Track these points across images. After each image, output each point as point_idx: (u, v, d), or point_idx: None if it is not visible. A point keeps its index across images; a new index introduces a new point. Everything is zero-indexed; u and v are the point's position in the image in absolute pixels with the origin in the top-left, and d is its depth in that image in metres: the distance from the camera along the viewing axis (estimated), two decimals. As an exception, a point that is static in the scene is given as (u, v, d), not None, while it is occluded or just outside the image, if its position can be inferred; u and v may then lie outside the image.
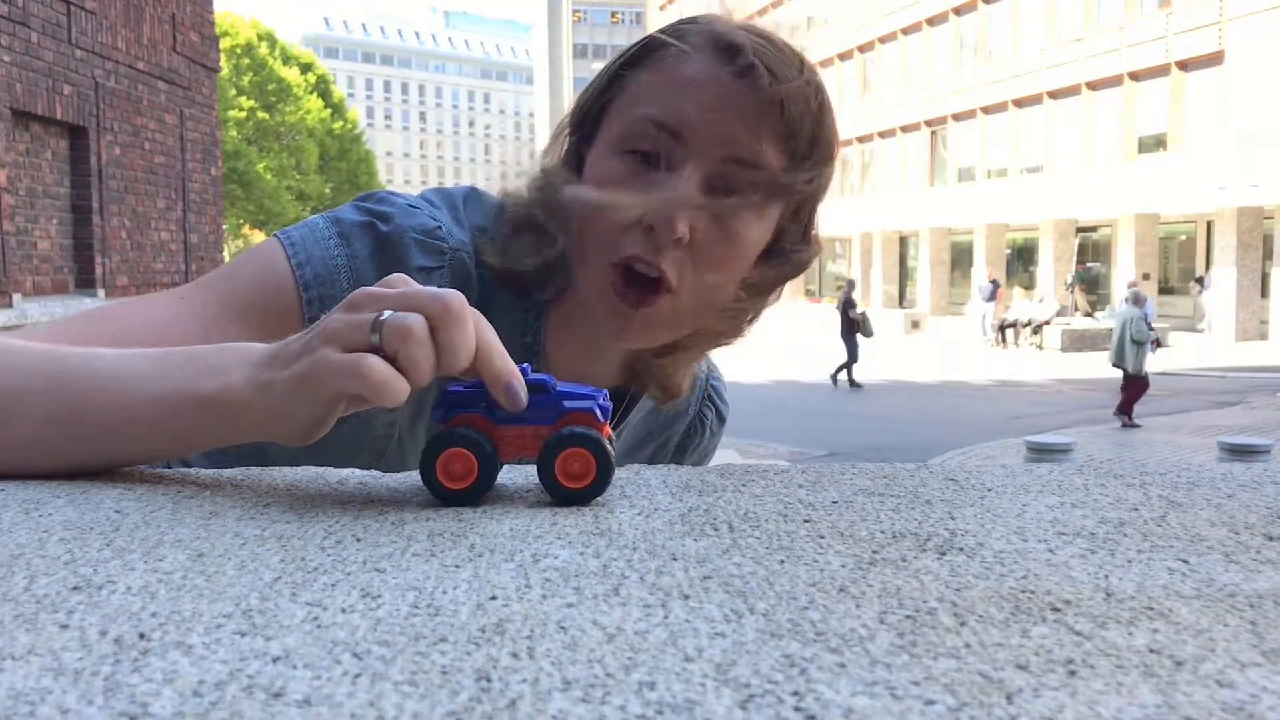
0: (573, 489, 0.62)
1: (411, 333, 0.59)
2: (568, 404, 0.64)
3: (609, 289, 0.87)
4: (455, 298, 0.61)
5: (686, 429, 1.14)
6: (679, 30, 0.91)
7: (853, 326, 14.87)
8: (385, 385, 0.59)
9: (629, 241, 0.86)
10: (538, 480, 0.67)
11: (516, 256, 0.92)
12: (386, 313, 0.60)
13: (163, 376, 0.67)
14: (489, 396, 0.62)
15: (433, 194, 0.98)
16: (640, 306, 0.87)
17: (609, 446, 0.62)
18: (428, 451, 0.61)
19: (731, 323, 0.95)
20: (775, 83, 0.85)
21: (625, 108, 0.90)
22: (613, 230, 0.86)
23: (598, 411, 0.64)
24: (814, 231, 0.97)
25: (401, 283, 0.64)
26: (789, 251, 0.94)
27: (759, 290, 0.94)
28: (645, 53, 0.91)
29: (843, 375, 14.98)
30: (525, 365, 0.64)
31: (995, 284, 22.59)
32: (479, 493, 0.61)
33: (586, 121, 0.94)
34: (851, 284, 16.49)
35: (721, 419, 1.17)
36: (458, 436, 0.62)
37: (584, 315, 0.92)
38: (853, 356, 14.83)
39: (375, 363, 0.59)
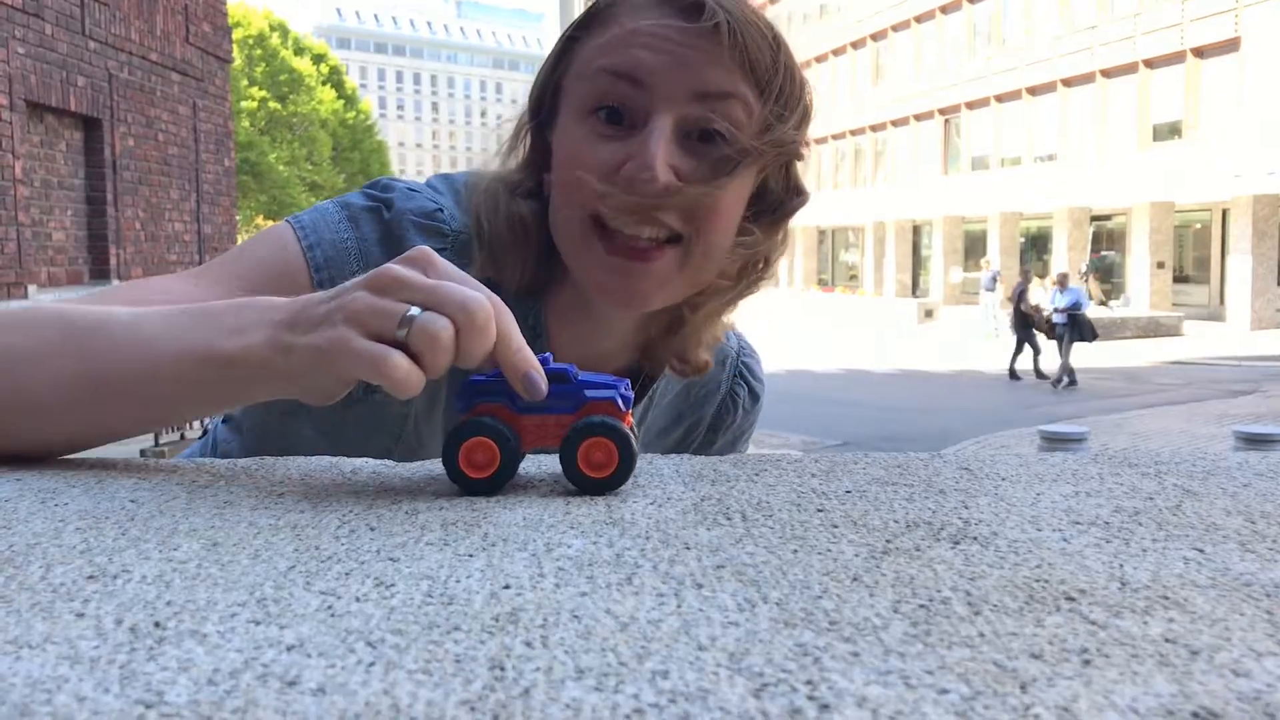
0: (595, 478, 0.61)
1: (438, 340, 0.59)
2: (589, 394, 0.64)
3: (601, 254, 0.85)
4: (480, 307, 0.61)
5: (718, 409, 1.13)
6: None
7: (1025, 319, 14.51)
8: (405, 383, 0.59)
9: (611, 203, 0.83)
10: (555, 469, 0.68)
11: (498, 265, 0.91)
12: (414, 310, 0.60)
13: (182, 336, 0.67)
14: (510, 386, 0.62)
15: (437, 180, 0.99)
16: (649, 260, 0.84)
17: (631, 436, 0.62)
18: (450, 441, 0.61)
19: (736, 280, 0.93)
20: (726, 15, 0.83)
21: (580, 73, 0.87)
22: (590, 194, 0.84)
23: (619, 401, 0.64)
24: (798, 180, 0.95)
25: (425, 260, 0.64)
26: (777, 200, 0.93)
27: (754, 243, 0.92)
28: (590, 18, 0.89)
29: (1019, 367, 14.58)
30: (546, 355, 0.64)
31: (995, 275, 22.43)
32: (501, 482, 0.62)
33: (544, 105, 0.92)
34: (1027, 274, 16.08)
35: (755, 396, 1.14)
36: (480, 426, 0.62)
37: (585, 296, 0.91)
38: (1034, 348, 14.45)
39: (399, 361, 0.59)
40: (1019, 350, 14.57)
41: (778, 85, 0.86)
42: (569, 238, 0.88)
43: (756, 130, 0.85)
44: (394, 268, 0.63)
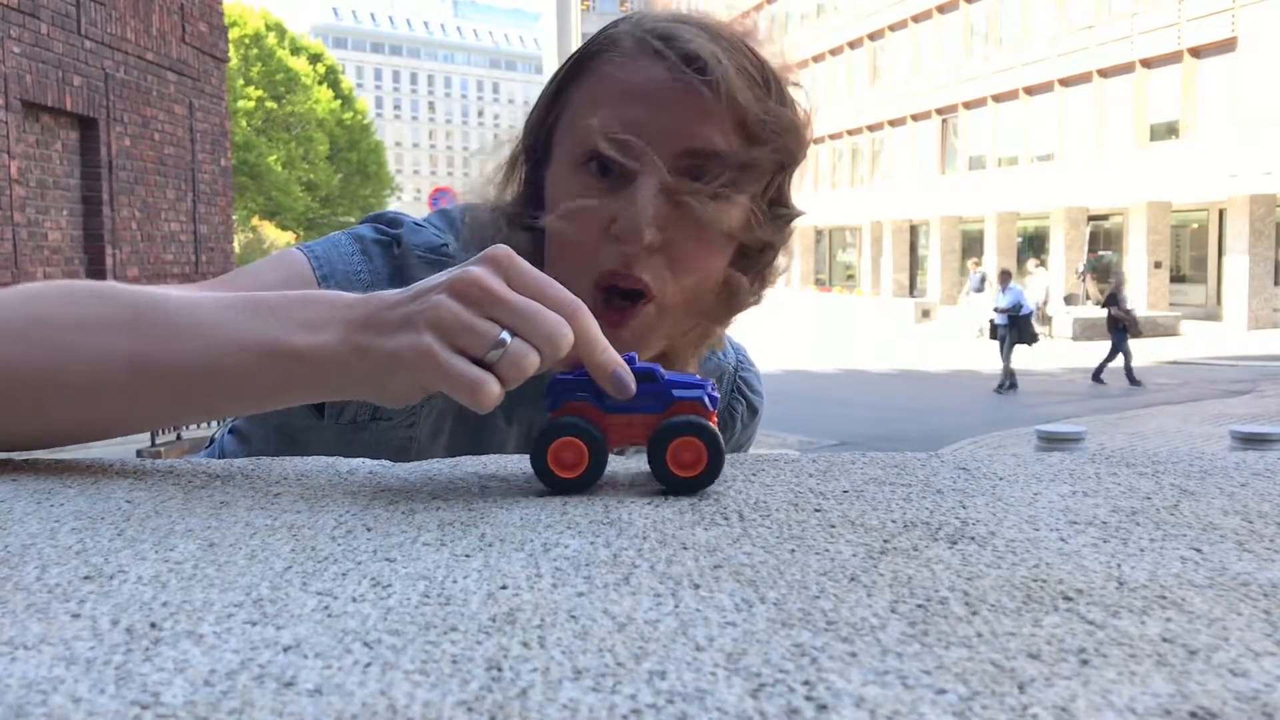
0: (684, 478, 0.61)
1: (524, 372, 0.59)
2: (676, 393, 0.63)
3: (599, 311, 0.86)
4: (564, 340, 0.60)
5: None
6: (610, 35, 0.90)
7: (1117, 322, 14.03)
8: (491, 407, 0.58)
9: (604, 258, 0.85)
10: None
11: None
12: (506, 336, 0.59)
13: (246, 326, 0.64)
14: (596, 385, 0.62)
15: (435, 217, 0.99)
16: (623, 325, 0.86)
17: (720, 436, 0.62)
18: (539, 441, 0.61)
19: (726, 312, 0.94)
20: (715, 65, 0.84)
21: (571, 123, 0.89)
22: (585, 252, 0.86)
23: (706, 401, 0.64)
24: (789, 211, 0.95)
25: (506, 264, 0.62)
26: (767, 232, 0.93)
27: (745, 277, 0.93)
28: (581, 64, 0.90)
29: (1112, 369, 14.02)
30: (631, 355, 0.64)
31: (983, 276, 22.32)
32: (590, 481, 0.61)
33: (538, 145, 0.93)
34: (1121, 276, 15.65)
35: (753, 410, 1.15)
36: (568, 426, 0.61)
37: None
38: (1125, 353, 13.88)
39: (494, 389, 0.58)
40: (1111, 355, 14.03)
41: (767, 131, 0.87)
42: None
43: (741, 180, 0.86)
44: (481, 276, 0.60)
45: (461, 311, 0.59)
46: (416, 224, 0.95)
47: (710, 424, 0.62)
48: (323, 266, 0.89)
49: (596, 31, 0.92)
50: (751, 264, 0.94)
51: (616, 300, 0.86)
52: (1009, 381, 13.36)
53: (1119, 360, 13.77)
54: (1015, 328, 13.62)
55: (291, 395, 0.66)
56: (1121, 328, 14.03)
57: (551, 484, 0.61)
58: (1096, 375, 14.04)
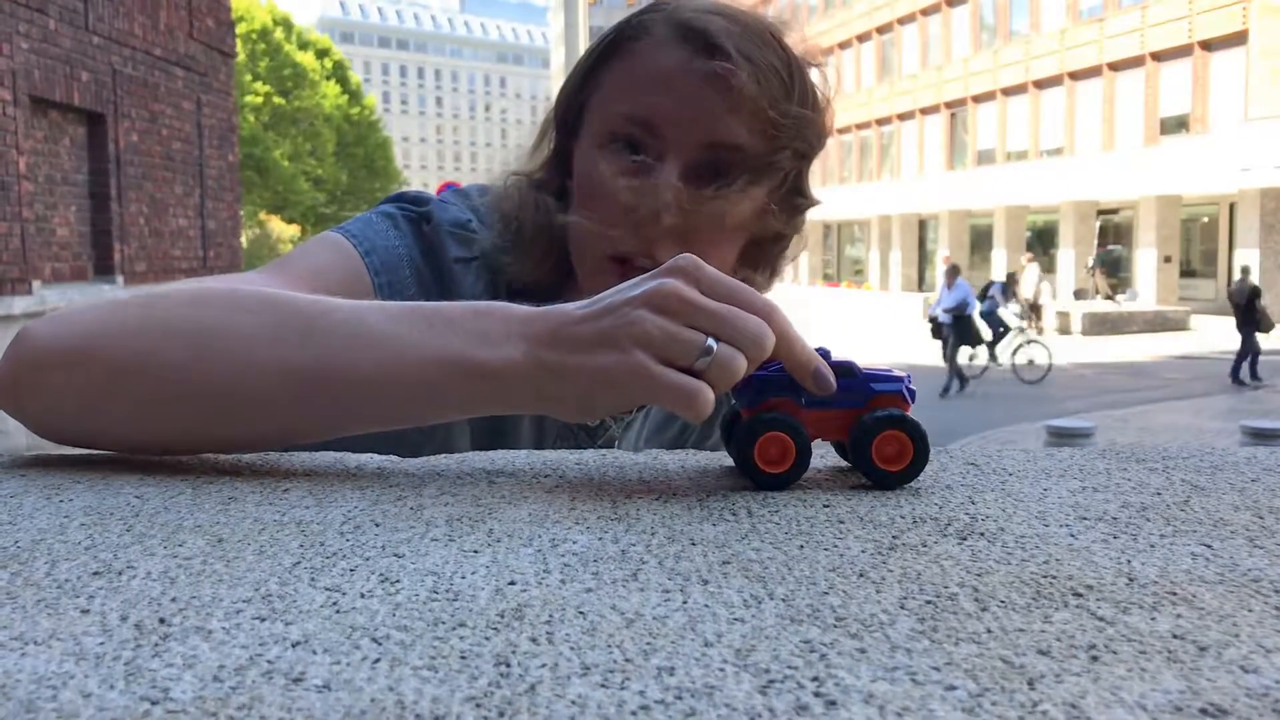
0: (891, 472, 0.61)
1: (736, 376, 0.59)
2: (875, 386, 0.63)
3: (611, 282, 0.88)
4: (768, 339, 0.59)
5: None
6: (644, 21, 0.92)
7: (1252, 317, 13.54)
8: (707, 415, 0.58)
9: (620, 239, 0.88)
10: (552, 466, 0.67)
11: (521, 269, 0.94)
12: (712, 342, 0.58)
13: (424, 337, 0.63)
14: (793, 380, 0.62)
15: (451, 196, 1.01)
16: None
17: (923, 428, 0.62)
18: (745, 436, 0.61)
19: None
20: (743, 63, 0.86)
21: (601, 104, 0.91)
22: (603, 231, 0.88)
23: (906, 394, 0.63)
24: (805, 200, 0.97)
25: (695, 272, 0.61)
26: (780, 222, 0.95)
27: (757, 265, 0.96)
28: (615, 45, 0.93)
29: (1244, 369, 13.49)
30: (825, 349, 0.63)
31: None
32: (795, 477, 0.61)
33: (569, 119, 0.96)
34: (1246, 270, 14.94)
35: None
36: (776, 421, 0.61)
37: None
38: (1255, 349, 13.42)
39: (710, 397, 0.58)
40: (1244, 352, 13.51)
41: (789, 126, 0.89)
42: (585, 267, 0.92)
43: (759, 179, 0.89)
44: (678, 288, 0.60)
45: (667, 325, 0.59)
46: (443, 201, 0.98)
47: (911, 416, 0.62)
48: (363, 244, 0.91)
49: (634, 12, 0.94)
50: (764, 253, 0.97)
51: (633, 273, 0.88)
52: (956, 383, 13.00)
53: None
54: (959, 329, 13.28)
55: (473, 409, 0.65)
56: (1254, 322, 13.51)
57: (757, 480, 0.61)
58: (1235, 376, 13.43)
